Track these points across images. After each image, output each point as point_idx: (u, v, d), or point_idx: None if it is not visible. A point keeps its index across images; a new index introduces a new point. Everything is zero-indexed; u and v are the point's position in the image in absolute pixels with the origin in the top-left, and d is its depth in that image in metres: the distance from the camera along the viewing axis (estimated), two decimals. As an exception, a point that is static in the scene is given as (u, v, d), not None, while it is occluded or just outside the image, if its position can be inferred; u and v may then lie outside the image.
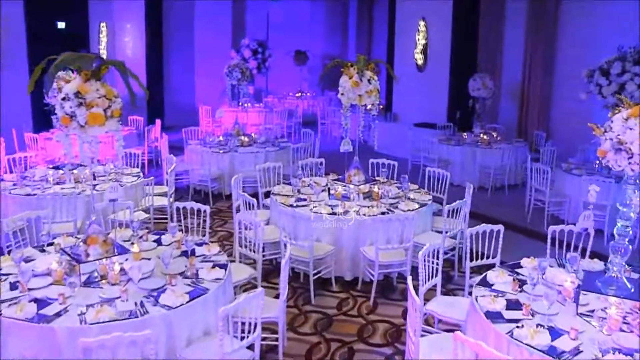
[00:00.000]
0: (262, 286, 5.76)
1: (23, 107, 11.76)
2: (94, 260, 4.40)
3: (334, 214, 6.21)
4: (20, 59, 12.08)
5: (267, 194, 7.51)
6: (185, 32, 17.24)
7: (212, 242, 7.60)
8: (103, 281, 4.34)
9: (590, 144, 9.93)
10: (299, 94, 18.07)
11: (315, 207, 6.36)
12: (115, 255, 4.50)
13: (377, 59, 12.29)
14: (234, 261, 5.86)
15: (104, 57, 15.11)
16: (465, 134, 11.25)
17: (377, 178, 7.60)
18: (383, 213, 6.25)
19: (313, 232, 6.03)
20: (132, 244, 4.75)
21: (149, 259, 4.72)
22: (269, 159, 9.50)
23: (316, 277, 6.07)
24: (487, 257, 5.38)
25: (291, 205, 6.48)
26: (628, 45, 8.58)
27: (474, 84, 11.27)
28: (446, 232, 6.19)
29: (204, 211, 5.77)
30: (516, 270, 4.70)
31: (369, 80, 6.84)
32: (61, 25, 14.33)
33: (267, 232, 6.49)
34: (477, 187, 10.37)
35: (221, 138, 10.36)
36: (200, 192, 9.67)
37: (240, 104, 14.29)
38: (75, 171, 7.62)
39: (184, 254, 4.88)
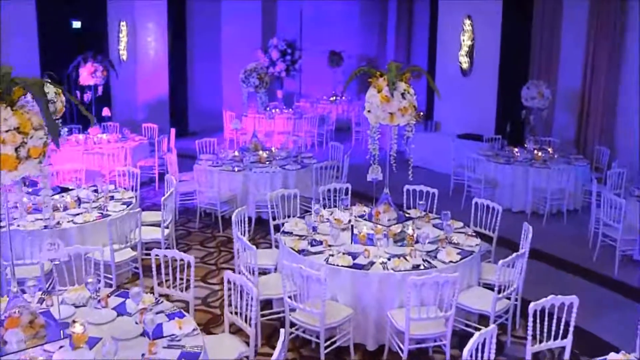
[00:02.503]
0: (261, 353, 4.64)
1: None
2: (14, 352, 3.22)
3: (354, 265, 4.93)
4: (32, 62, 11.15)
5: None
6: (211, 32, 16.19)
7: (206, 283, 6.44)
8: (27, 379, 3.17)
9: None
10: (333, 97, 16.80)
11: (332, 255, 5.08)
12: (48, 342, 3.32)
13: (416, 63, 10.98)
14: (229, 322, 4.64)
15: (124, 58, 14.12)
16: (516, 149, 9.74)
17: (410, 213, 6.25)
18: (417, 266, 4.91)
19: (327, 288, 4.72)
20: (74, 321, 3.53)
21: (99, 340, 3.53)
22: (289, 179, 8.28)
23: (331, 347, 4.80)
24: (555, 338, 4.05)
25: (302, 251, 5.20)
26: None
27: (527, 93, 9.78)
28: (498, 294, 4.82)
29: (188, 262, 4.56)
30: (602, 373, 3.35)
31: (402, 94, 5.43)
32: (77, 24, 13.39)
33: (272, 282, 5.26)
34: (530, 213, 8.94)
35: (236, 153, 9.12)
36: (211, 215, 8.48)
37: (266, 108, 13.12)
38: (56, 197, 6.53)
39: (146, 333, 3.67)
